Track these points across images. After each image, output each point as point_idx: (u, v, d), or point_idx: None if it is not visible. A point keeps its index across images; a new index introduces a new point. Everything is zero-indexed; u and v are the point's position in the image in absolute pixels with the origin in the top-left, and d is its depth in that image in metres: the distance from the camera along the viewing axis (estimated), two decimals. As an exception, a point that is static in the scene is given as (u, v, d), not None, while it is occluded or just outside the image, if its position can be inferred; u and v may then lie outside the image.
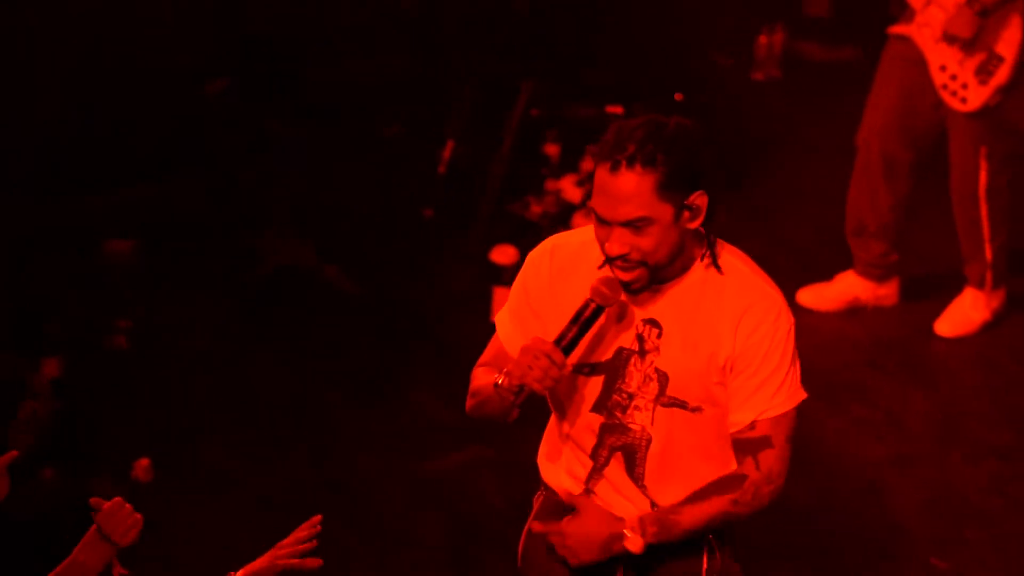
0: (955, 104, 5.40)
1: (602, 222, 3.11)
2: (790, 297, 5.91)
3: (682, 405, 3.22)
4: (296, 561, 3.25)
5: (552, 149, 6.60)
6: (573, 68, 7.36)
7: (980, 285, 5.71)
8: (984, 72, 5.32)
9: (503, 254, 5.90)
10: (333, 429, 5.41)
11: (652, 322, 3.22)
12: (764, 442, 3.17)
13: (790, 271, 6.19)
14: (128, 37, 6.79)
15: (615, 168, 3.07)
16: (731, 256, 3.23)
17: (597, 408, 3.28)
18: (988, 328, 5.76)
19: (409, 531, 4.96)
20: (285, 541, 3.29)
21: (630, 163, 3.06)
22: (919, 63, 5.45)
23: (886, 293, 5.92)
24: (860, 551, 4.88)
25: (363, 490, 5.12)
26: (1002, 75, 5.32)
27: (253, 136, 7.05)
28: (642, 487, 3.28)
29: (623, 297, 3.18)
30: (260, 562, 3.25)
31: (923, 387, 5.58)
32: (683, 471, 3.26)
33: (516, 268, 5.51)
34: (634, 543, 3.16)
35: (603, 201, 3.09)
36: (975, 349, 5.77)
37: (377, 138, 7.15)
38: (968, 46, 5.31)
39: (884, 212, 5.72)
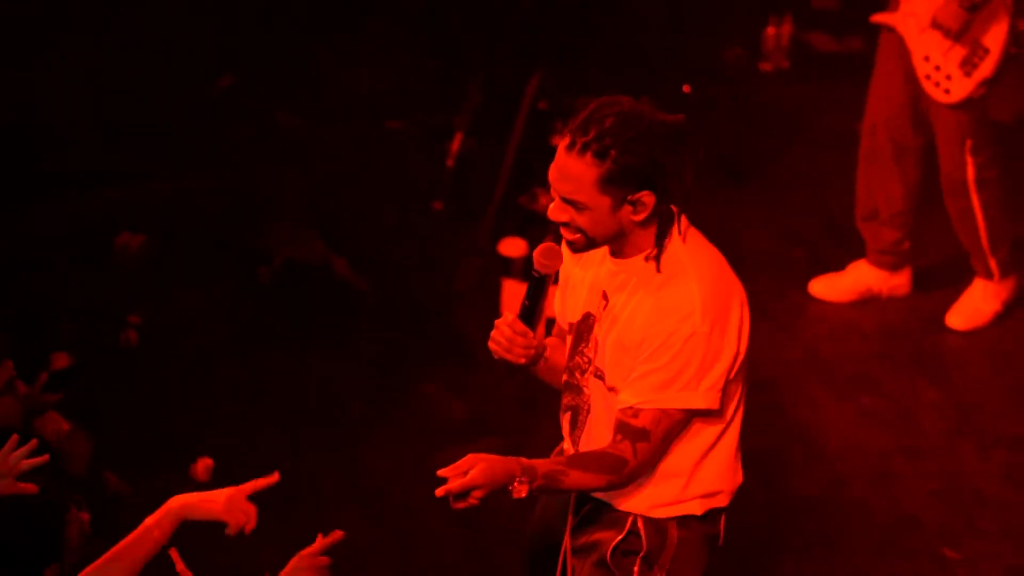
0: (938, 95, 5.36)
1: (552, 188, 3.23)
2: (803, 287, 5.99)
3: (602, 379, 3.37)
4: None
5: (560, 141, 6.59)
6: (581, 60, 7.36)
7: (988, 276, 5.69)
8: (969, 64, 5.28)
9: (512, 247, 5.90)
10: (344, 423, 5.42)
11: (604, 294, 3.35)
12: (643, 434, 3.26)
13: (799, 262, 6.20)
14: (136, 34, 6.80)
15: (570, 148, 3.18)
16: (683, 253, 3.27)
17: (567, 366, 3.47)
18: (1000, 319, 5.75)
19: (421, 524, 4.96)
20: (307, 551, 3.32)
21: (583, 149, 3.15)
22: (908, 55, 5.42)
23: (899, 283, 5.90)
24: (870, 542, 4.87)
25: (374, 483, 5.13)
26: (987, 67, 5.27)
27: (261, 131, 7.05)
28: (576, 449, 3.47)
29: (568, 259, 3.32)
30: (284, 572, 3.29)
31: (933, 378, 5.58)
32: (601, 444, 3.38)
33: (525, 260, 5.55)
34: (519, 491, 3.24)
35: (553, 170, 3.23)
36: (986, 339, 5.76)
37: (385, 131, 7.15)
38: (954, 37, 5.27)
39: (896, 200, 5.70)
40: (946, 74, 5.31)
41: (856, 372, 5.61)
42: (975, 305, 5.73)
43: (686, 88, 7.42)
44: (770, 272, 6.15)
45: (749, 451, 5.12)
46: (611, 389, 3.35)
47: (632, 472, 3.30)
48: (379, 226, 6.52)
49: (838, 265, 5.99)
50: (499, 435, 5.23)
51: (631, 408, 3.27)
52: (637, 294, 3.28)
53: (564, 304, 3.51)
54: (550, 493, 3.41)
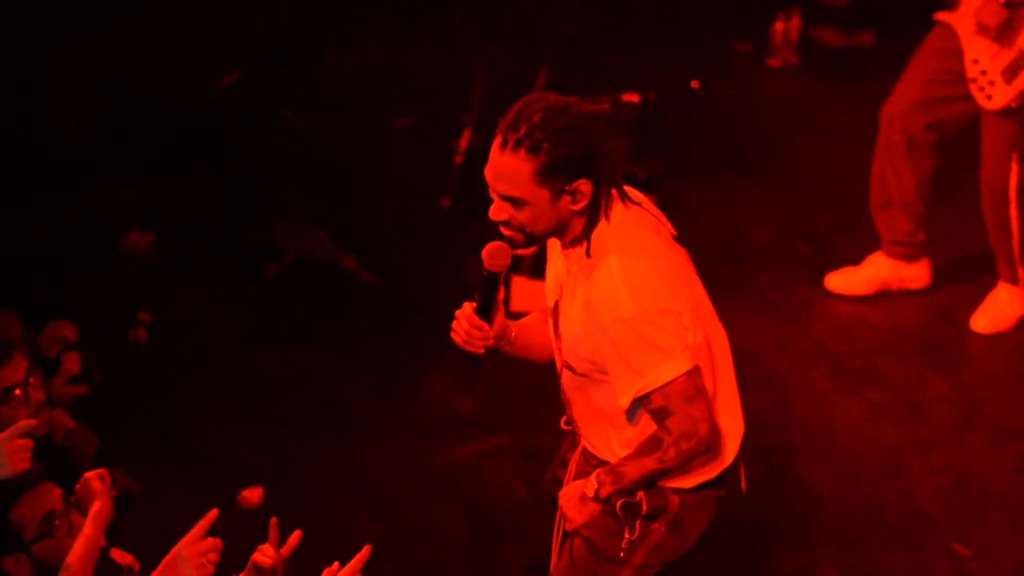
0: (981, 100, 5.35)
1: (490, 188, 3.28)
2: (812, 281, 5.98)
3: (571, 368, 3.46)
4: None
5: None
6: (588, 55, 7.36)
7: (1013, 281, 5.67)
8: (1010, 72, 5.27)
9: None
10: (351, 419, 5.42)
11: (561, 286, 3.45)
12: (663, 412, 3.35)
13: (807, 256, 6.19)
14: (141, 33, 6.81)
15: (503, 146, 3.22)
16: (608, 235, 3.32)
17: (555, 350, 3.56)
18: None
19: (428, 520, 4.96)
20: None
21: (516, 146, 3.20)
22: (956, 54, 5.40)
23: (915, 274, 5.89)
24: (880, 536, 4.86)
25: (382, 480, 5.13)
26: None
27: (269, 129, 7.06)
28: (576, 429, 3.61)
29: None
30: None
31: (942, 371, 5.56)
32: (595, 426, 3.54)
33: (532, 257, 5.55)
34: (591, 488, 3.43)
35: (489, 171, 3.27)
36: (997, 335, 5.74)
37: (393, 129, 7.15)
38: (1001, 41, 5.26)
39: (909, 189, 5.69)
40: (990, 80, 5.31)
41: (865, 366, 5.60)
42: (1000, 309, 5.72)
43: (694, 83, 7.42)
44: (778, 266, 6.15)
45: (757, 445, 5.15)
46: (582, 375, 3.44)
47: (678, 444, 3.35)
48: (386, 223, 6.52)
49: (846, 259, 5.98)
50: (506, 430, 5.23)
51: (636, 401, 3.35)
52: (578, 284, 3.36)
53: (549, 288, 3.58)
54: (625, 489, 3.46)
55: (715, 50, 7.73)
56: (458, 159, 6.63)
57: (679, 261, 3.42)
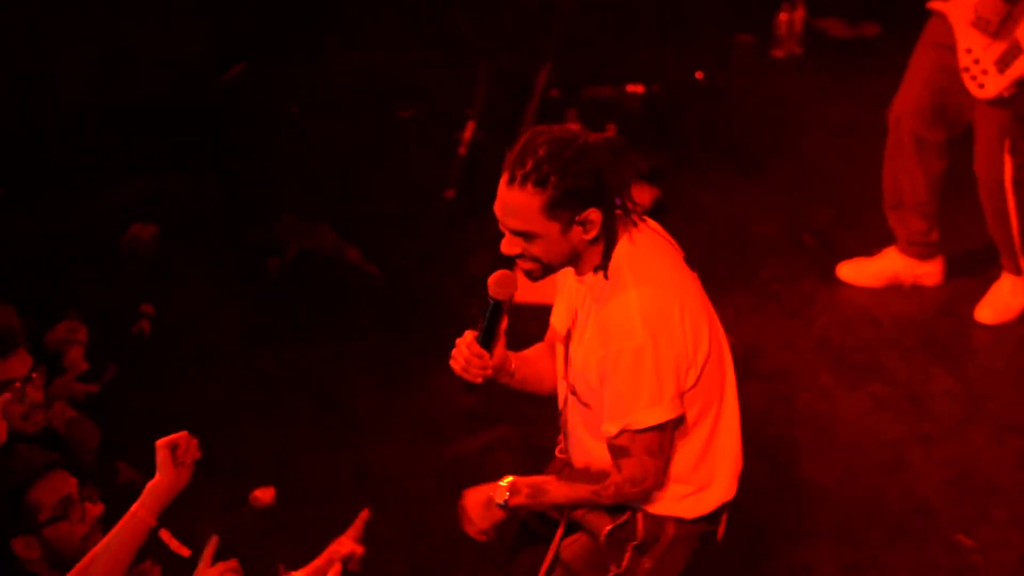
0: (973, 89, 5.35)
1: (501, 224, 3.27)
2: (815, 274, 5.98)
3: (577, 397, 3.46)
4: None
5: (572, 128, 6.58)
6: (592, 47, 7.35)
7: (1016, 272, 5.67)
8: (1003, 62, 5.26)
9: None
10: (354, 414, 5.42)
11: (575, 312, 3.44)
12: (623, 451, 3.36)
13: (811, 250, 6.18)
14: (141, 31, 6.81)
15: (511, 182, 3.21)
16: (625, 263, 3.31)
17: (560, 377, 3.56)
18: None
19: (430, 518, 4.96)
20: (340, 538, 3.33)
21: (523, 181, 3.19)
22: (951, 48, 5.39)
23: (927, 272, 5.89)
24: (883, 530, 4.86)
25: (384, 477, 5.13)
26: (1019, 67, 5.25)
27: (270, 124, 7.06)
28: (568, 457, 3.60)
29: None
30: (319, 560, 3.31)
31: (945, 365, 5.56)
32: (585, 457, 3.52)
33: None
34: (499, 494, 3.47)
35: (498, 207, 3.26)
36: (998, 326, 5.74)
37: (397, 120, 7.15)
38: (995, 32, 5.25)
39: (920, 189, 5.69)
40: (983, 68, 5.31)
41: (868, 360, 5.60)
42: (1004, 300, 5.71)
43: (698, 75, 7.42)
44: (781, 260, 6.15)
45: (761, 439, 5.15)
46: (585, 405, 3.45)
47: (619, 485, 3.40)
48: (390, 215, 6.52)
49: (849, 253, 5.98)
50: (507, 426, 5.23)
51: (610, 434, 3.37)
52: (592, 311, 3.36)
53: (558, 315, 3.59)
54: (538, 506, 3.52)
55: (719, 41, 7.72)
56: (462, 151, 6.63)
57: (691, 283, 3.41)
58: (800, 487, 5.05)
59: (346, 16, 7.45)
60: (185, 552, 4.08)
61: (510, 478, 3.43)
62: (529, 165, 3.18)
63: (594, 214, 3.23)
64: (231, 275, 6.10)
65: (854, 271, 5.95)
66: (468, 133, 6.67)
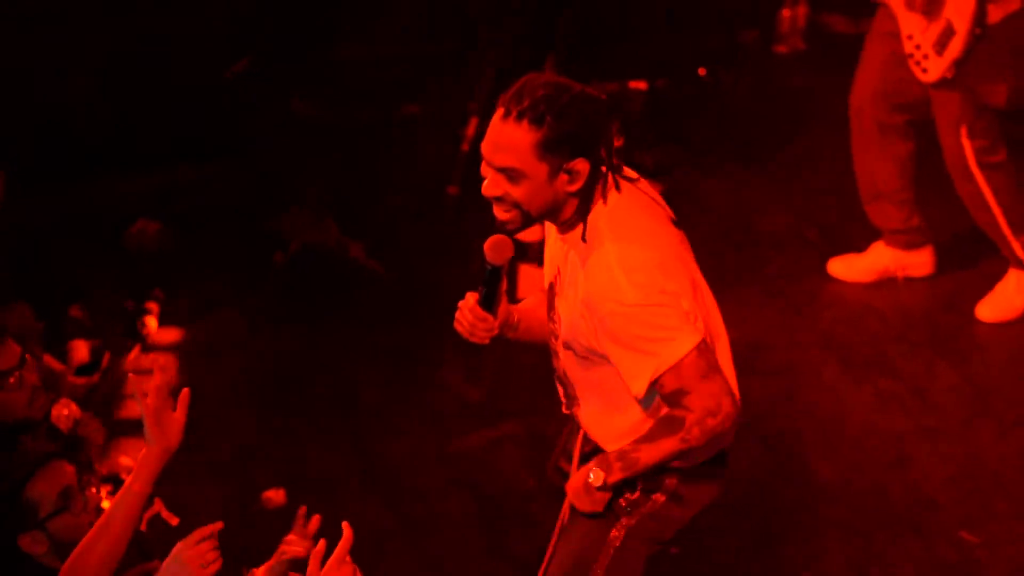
0: (918, 74, 5.37)
1: (485, 162, 3.25)
2: (819, 270, 5.98)
3: (572, 349, 3.44)
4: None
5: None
6: (595, 43, 7.34)
7: (1019, 264, 5.65)
8: (940, 43, 5.27)
9: (527, 231, 5.88)
10: (361, 409, 5.42)
11: (558, 268, 3.44)
12: (679, 393, 3.30)
13: (815, 244, 6.18)
14: (153, 20, 6.80)
15: (506, 116, 3.20)
16: (603, 220, 3.31)
17: (549, 332, 3.57)
18: None
19: (438, 510, 4.97)
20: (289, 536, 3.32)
21: (519, 116, 3.18)
22: (897, 35, 5.40)
23: (917, 262, 5.88)
24: (888, 526, 4.86)
25: (392, 469, 5.13)
26: (955, 48, 5.24)
27: (276, 117, 7.05)
28: (576, 410, 3.58)
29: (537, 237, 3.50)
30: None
31: (951, 360, 5.55)
32: (597, 410, 3.52)
33: (540, 244, 5.54)
34: (596, 478, 3.42)
35: (487, 143, 3.24)
36: (1006, 324, 5.73)
37: (400, 116, 7.15)
38: (929, 15, 5.26)
39: (893, 177, 5.69)
40: (924, 53, 5.33)
41: (873, 355, 5.59)
42: (1007, 297, 5.68)
43: (701, 71, 7.41)
44: (786, 254, 6.14)
45: (766, 434, 5.15)
46: (583, 357, 3.43)
47: (701, 422, 3.31)
48: (394, 211, 6.52)
49: (853, 247, 5.98)
50: (515, 419, 5.23)
51: (650, 387, 3.31)
52: (575, 270, 3.35)
53: (548, 266, 3.57)
54: (635, 474, 3.44)
55: (722, 37, 7.71)
56: (465, 147, 6.63)
57: (675, 243, 3.39)
58: (805, 482, 5.05)
59: (352, 11, 7.44)
60: (174, 521, 4.08)
61: (596, 459, 3.42)
62: (527, 103, 3.17)
63: (582, 164, 3.23)
64: (238, 268, 6.10)
65: (844, 267, 5.94)
66: (471, 129, 6.66)
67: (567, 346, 3.47)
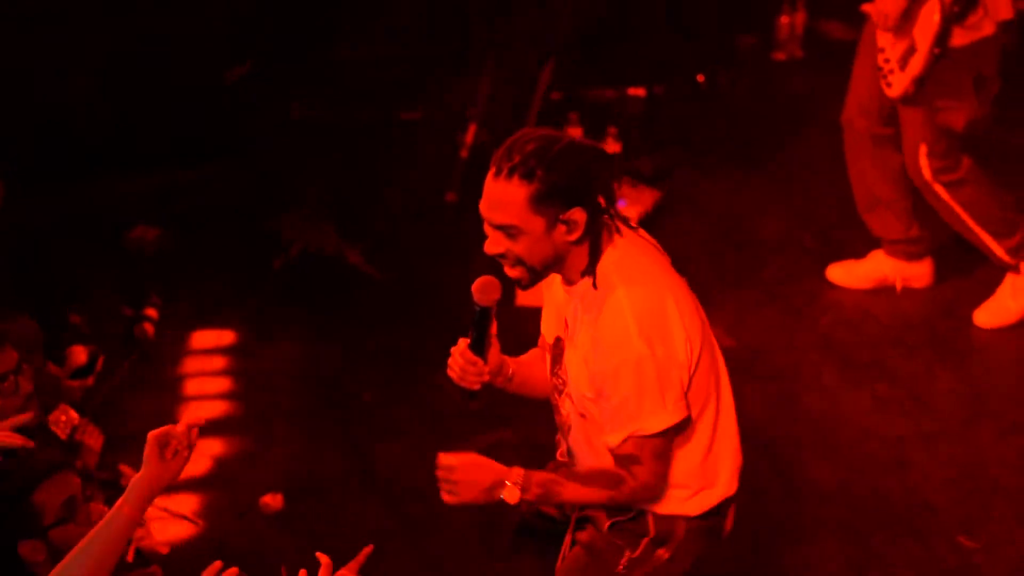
0: (884, 88, 5.39)
1: (485, 222, 3.27)
2: (818, 274, 5.99)
3: (573, 404, 3.46)
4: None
5: (574, 131, 6.59)
6: (595, 50, 7.35)
7: (1008, 268, 5.65)
8: (903, 60, 5.29)
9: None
10: (358, 413, 5.42)
11: (565, 320, 3.44)
12: (633, 459, 3.37)
13: (813, 249, 6.19)
14: (153, 23, 6.81)
15: (497, 174, 3.22)
16: (612, 267, 3.32)
17: (551, 387, 3.57)
18: None
19: (437, 512, 4.95)
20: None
21: (510, 173, 3.20)
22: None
23: (917, 273, 5.88)
24: (886, 528, 4.86)
25: (391, 472, 5.13)
26: (916, 65, 5.25)
27: (275, 121, 7.06)
28: (571, 462, 3.59)
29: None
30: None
31: (949, 364, 5.56)
32: (589, 463, 3.51)
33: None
34: (512, 495, 3.37)
35: (484, 203, 3.26)
36: (1004, 328, 5.74)
37: (399, 122, 7.16)
38: (899, 30, 5.27)
39: (888, 186, 5.70)
40: (891, 68, 5.35)
41: (871, 359, 5.60)
42: (1003, 304, 5.69)
43: (699, 78, 7.42)
44: (784, 259, 6.15)
45: (764, 439, 5.15)
46: (581, 415, 3.46)
47: (635, 491, 3.42)
48: (392, 217, 6.53)
49: (851, 252, 5.99)
50: (511, 426, 5.23)
51: (613, 444, 3.38)
52: (584, 320, 3.35)
53: (546, 323, 3.60)
54: (546, 503, 3.50)
55: (720, 44, 7.73)
56: (464, 153, 6.63)
57: (683, 287, 3.42)
58: (803, 486, 5.05)
59: (352, 11, 7.45)
60: (164, 550, 4.06)
61: (519, 472, 3.39)
62: (517, 159, 3.19)
63: (578, 214, 3.24)
64: (238, 269, 6.11)
65: (843, 273, 5.95)
66: (470, 136, 6.67)
67: (572, 403, 3.49)
